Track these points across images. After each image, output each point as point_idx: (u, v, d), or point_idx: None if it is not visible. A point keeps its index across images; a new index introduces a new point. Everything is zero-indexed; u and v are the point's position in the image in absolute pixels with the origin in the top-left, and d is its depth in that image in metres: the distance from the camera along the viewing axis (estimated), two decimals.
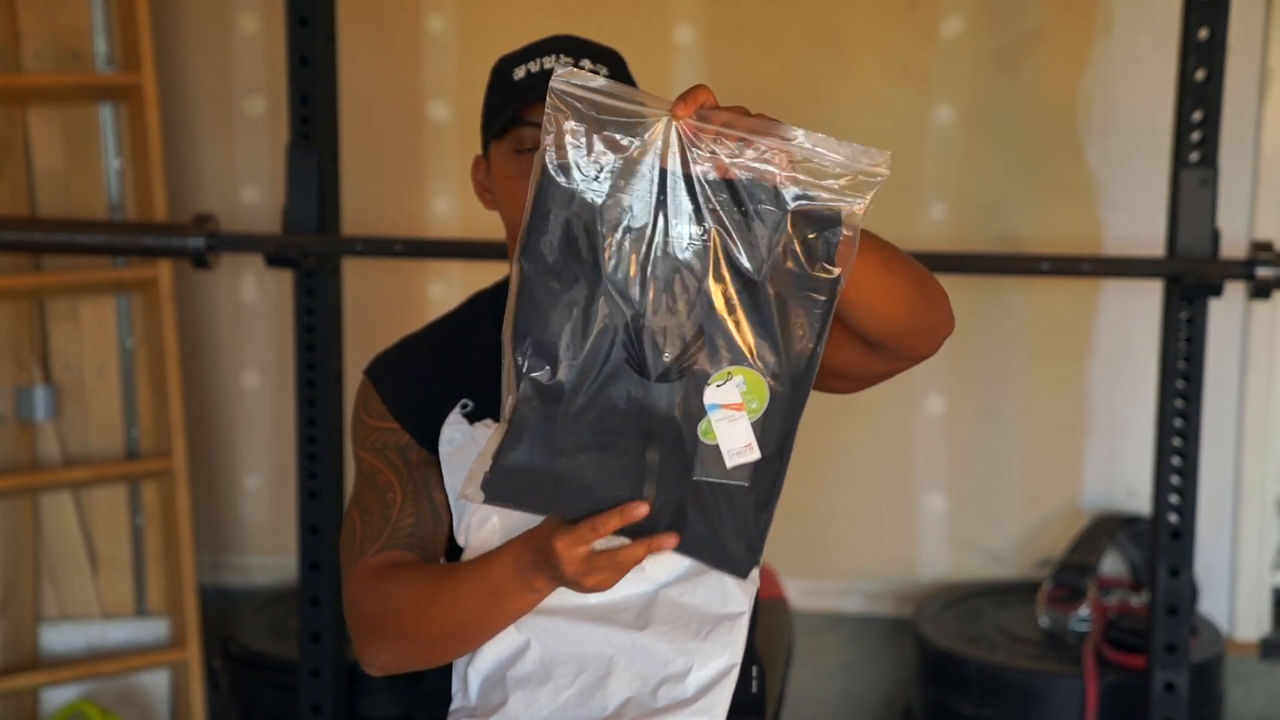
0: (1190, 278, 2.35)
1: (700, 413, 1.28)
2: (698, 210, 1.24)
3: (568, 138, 1.23)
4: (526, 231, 1.25)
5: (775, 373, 1.28)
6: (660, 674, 1.58)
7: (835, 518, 3.24)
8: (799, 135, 1.23)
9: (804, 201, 1.24)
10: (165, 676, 3.16)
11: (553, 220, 1.24)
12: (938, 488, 3.19)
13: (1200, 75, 2.37)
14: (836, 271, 1.26)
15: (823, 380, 1.45)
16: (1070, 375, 3.13)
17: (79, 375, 3.12)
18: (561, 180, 1.23)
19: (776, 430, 1.30)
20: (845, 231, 1.25)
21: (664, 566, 1.62)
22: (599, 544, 1.36)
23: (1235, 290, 2.75)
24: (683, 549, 1.34)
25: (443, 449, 1.65)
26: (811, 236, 1.25)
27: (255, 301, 3.38)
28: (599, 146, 1.23)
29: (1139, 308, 3.02)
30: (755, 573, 1.63)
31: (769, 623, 2.30)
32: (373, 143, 3.22)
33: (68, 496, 3.11)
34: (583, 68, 1.55)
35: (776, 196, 1.24)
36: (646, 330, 1.26)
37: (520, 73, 1.60)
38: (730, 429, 1.28)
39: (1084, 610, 2.84)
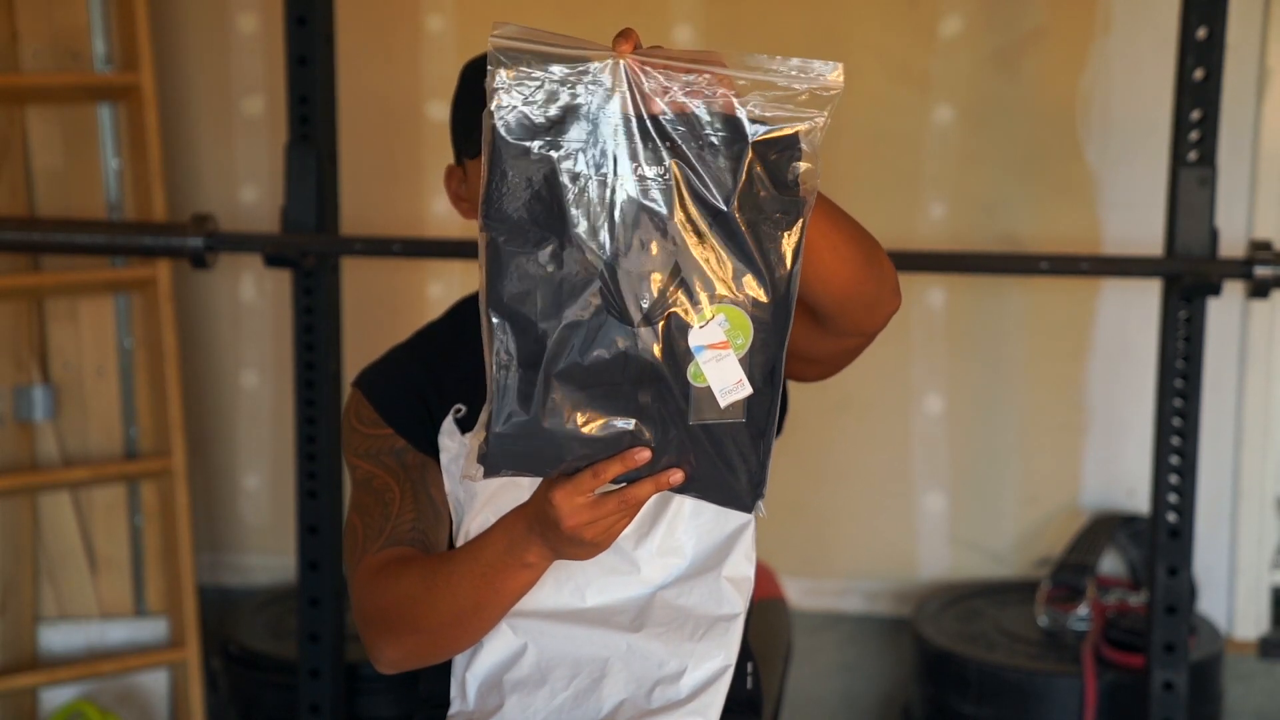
0: (1189, 277, 2.35)
1: (687, 355, 1.26)
2: (656, 148, 1.22)
3: (516, 92, 1.20)
4: (486, 195, 1.22)
5: (757, 302, 1.26)
6: (655, 675, 1.58)
7: (834, 517, 3.24)
8: (745, 58, 1.21)
9: (762, 126, 1.22)
10: (164, 676, 3.16)
11: (511, 179, 1.22)
12: (937, 487, 3.19)
13: (1199, 74, 2.37)
14: (803, 189, 1.25)
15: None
16: (1069, 374, 3.13)
17: (78, 375, 3.12)
18: (514, 137, 1.21)
19: (763, 360, 1.28)
20: (805, 148, 1.24)
21: (661, 569, 1.62)
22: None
23: (1234, 289, 2.75)
24: (686, 489, 1.32)
25: (442, 457, 1.65)
26: (774, 158, 1.24)
27: (254, 301, 3.38)
28: (547, 96, 1.21)
29: (1138, 307, 3.02)
30: (751, 571, 1.64)
31: (768, 622, 2.30)
32: (372, 142, 3.22)
33: (66, 496, 3.11)
34: None
35: (734, 123, 1.22)
36: (622, 275, 1.23)
37: None
38: (719, 368, 1.27)
39: (1083, 609, 2.84)
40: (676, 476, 1.30)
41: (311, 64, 2.53)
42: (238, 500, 3.44)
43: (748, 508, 1.33)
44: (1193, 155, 2.38)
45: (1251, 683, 3.05)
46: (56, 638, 3.11)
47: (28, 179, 3.07)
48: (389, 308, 3.28)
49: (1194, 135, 2.38)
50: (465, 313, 1.76)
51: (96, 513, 3.13)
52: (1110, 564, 3.08)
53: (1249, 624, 3.09)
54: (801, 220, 1.26)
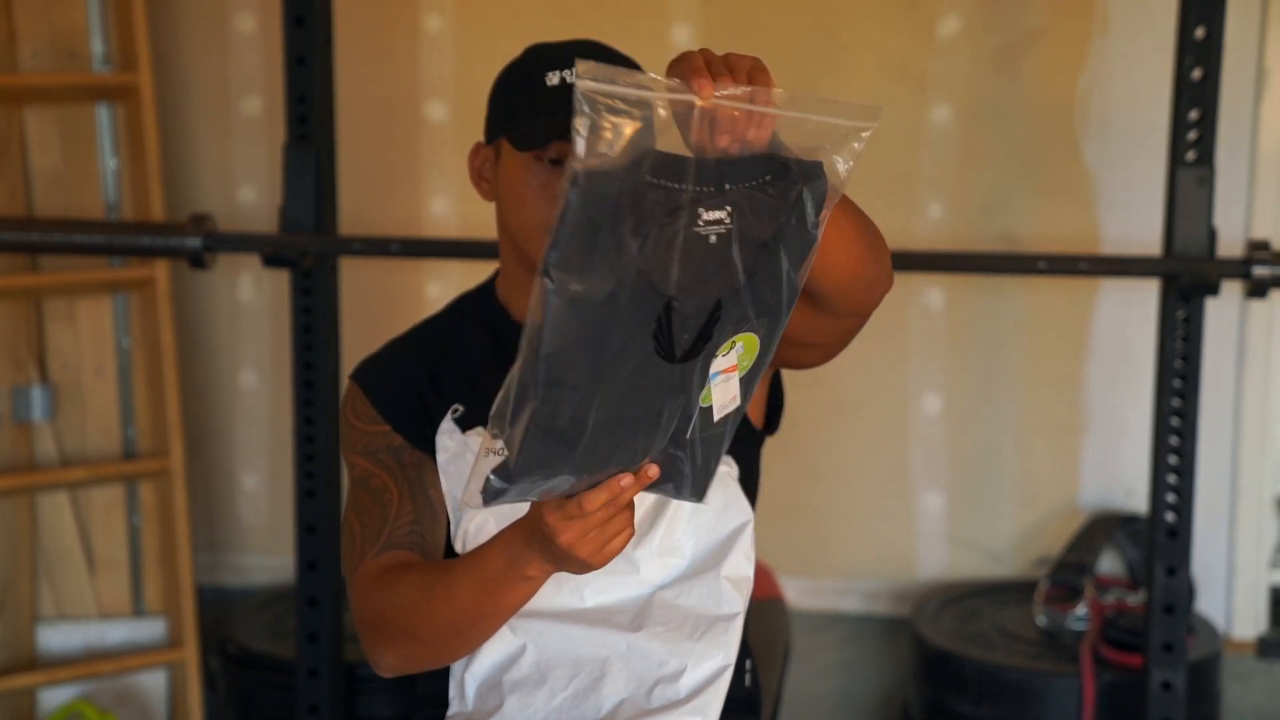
0: (1187, 277, 2.35)
1: (704, 380, 1.27)
2: (722, 191, 1.22)
3: (599, 136, 1.17)
4: (555, 243, 1.17)
5: (768, 328, 1.28)
6: (655, 675, 1.58)
7: (833, 517, 3.24)
8: (793, 98, 1.25)
9: (810, 165, 1.25)
10: (163, 676, 3.16)
11: (586, 231, 1.17)
12: (935, 487, 3.19)
13: (1197, 74, 2.37)
14: (821, 220, 1.27)
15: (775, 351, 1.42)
16: (1068, 374, 3.13)
17: (76, 375, 3.11)
18: (596, 189, 1.17)
19: (752, 376, 1.31)
20: (831, 182, 1.27)
21: (660, 569, 1.62)
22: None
23: (1232, 289, 2.76)
24: (652, 486, 1.33)
25: (440, 457, 1.64)
26: (806, 195, 1.26)
27: (252, 301, 3.38)
28: (629, 142, 1.18)
29: (1136, 307, 3.02)
30: (750, 571, 1.64)
31: (766, 622, 2.30)
32: (370, 142, 3.22)
33: (65, 496, 3.11)
34: None
35: (804, 166, 1.25)
36: (676, 316, 1.22)
37: (554, 79, 1.54)
38: (724, 389, 1.29)
39: (1081, 609, 2.84)
40: (653, 470, 1.31)
41: (310, 64, 2.53)
42: (236, 500, 3.44)
43: (699, 497, 1.36)
44: (1191, 155, 2.38)
45: (1250, 682, 3.05)
46: (55, 638, 3.11)
47: (26, 179, 3.07)
48: (387, 308, 3.28)
49: (1192, 135, 2.38)
50: (464, 310, 1.75)
51: (95, 513, 3.13)
52: (1109, 564, 3.08)
53: (1247, 623, 3.09)
54: (812, 249, 1.28)
